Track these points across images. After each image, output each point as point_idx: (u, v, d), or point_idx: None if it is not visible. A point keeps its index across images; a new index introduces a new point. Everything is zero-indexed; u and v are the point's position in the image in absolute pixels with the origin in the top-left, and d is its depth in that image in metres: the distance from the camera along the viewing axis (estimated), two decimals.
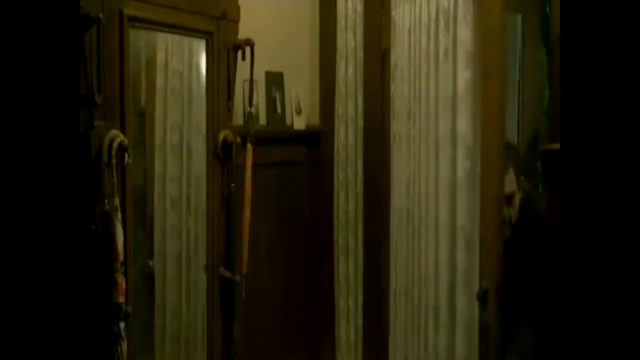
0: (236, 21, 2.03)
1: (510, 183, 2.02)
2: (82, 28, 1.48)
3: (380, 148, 2.51)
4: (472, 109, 2.12)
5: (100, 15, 1.50)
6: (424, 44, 2.26)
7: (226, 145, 1.99)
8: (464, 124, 2.14)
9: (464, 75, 2.13)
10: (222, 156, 1.99)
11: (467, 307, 2.14)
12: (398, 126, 2.40)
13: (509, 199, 2.02)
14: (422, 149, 2.27)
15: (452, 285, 2.18)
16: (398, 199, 2.41)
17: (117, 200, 1.53)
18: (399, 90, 2.39)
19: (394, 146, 2.42)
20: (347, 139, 2.61)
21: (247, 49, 2.02)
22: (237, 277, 2.01)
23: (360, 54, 2.57)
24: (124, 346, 1.53)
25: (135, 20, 1.65)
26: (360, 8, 2.55)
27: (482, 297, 2.02)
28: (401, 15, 2.37)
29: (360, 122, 2.59)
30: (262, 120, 2.52)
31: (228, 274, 2.00)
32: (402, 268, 2.38)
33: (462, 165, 2.14)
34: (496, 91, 2.02)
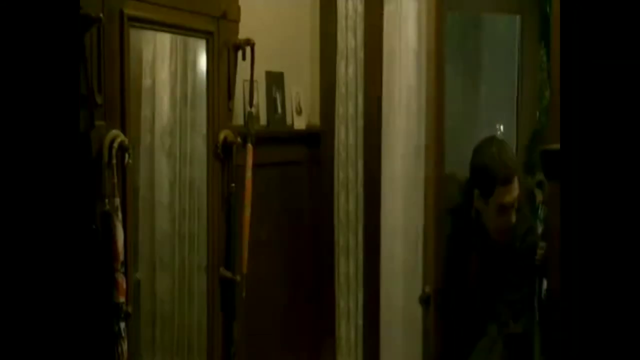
0: (236, 21, 2.03)
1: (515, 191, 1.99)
2: (82, 28, 1.48)
3: (379, 146, 2.51)
4: (417, 109, 2.18)
5: (101, 15, 1.49)
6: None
7: (226, 145, 1.99)
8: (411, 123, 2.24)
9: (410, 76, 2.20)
10: (222, 156, 1.99)
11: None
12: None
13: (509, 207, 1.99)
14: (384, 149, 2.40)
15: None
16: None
17: (117, 200, 1.53)
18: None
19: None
20: (348, 139, 2.61)
21: (248, 49, 2.02)
22: (238, 277, 2.01)
23: (361, 54, 2.57)
24: (125, 346, 1.53)
25: (136, 20, 1.65)
26: (360, 8, 2.56)
27: (425, 301, 2.05)
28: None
29: (361, 122, 2.59)
30: (263, 120, 2.52)
31: (228, 274, 1.99)
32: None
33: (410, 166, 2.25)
34: (435, 91, 2.06)
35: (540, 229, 2.19)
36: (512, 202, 1.93)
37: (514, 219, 1.96)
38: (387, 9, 2.42)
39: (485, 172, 1.91)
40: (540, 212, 2.29)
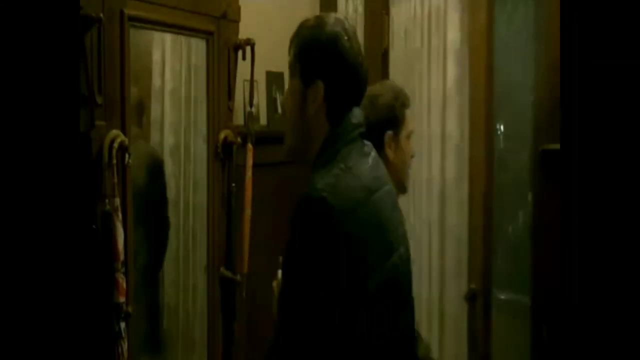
0: (237, 21, 2.03)
1: None
2: (82, 28, 1.48)
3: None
4: (460, 109, 2.16)
5: (101, 15, 1.50)
6: (417, 43, 2.31)
7: (227, 145, 1.99)
8: (452, 123, 2.18)
9: (453, 75, 2.16)
10: (222, 156, 1.99)
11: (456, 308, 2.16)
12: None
13: None
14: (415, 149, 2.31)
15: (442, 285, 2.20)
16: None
17: (117, 200, 1.53)
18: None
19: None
20: None
21: (248, 49, 2.02)
22: (238, 277, 2.01)
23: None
24: (125, 346, 1.53)
25: (136, 20, 1.65)
26: (360, 8, 2.55)
27: (471, 298, 2.03)
28: (398, 14, 2.42)
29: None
30: (263, 120, 2.52)
31: (229, 274, 2.00)
32: None
33: (452, 165, 2.18)
34: (484, 92, 2.05)
35: None
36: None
37: None
38: (402, 8, 2.38)
39: (394, 100, 1.66)
40: None
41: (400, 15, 2.40)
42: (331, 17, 1.29)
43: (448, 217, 2.20)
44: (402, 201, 2.30)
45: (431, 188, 2.26)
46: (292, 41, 1.30)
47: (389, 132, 1.65)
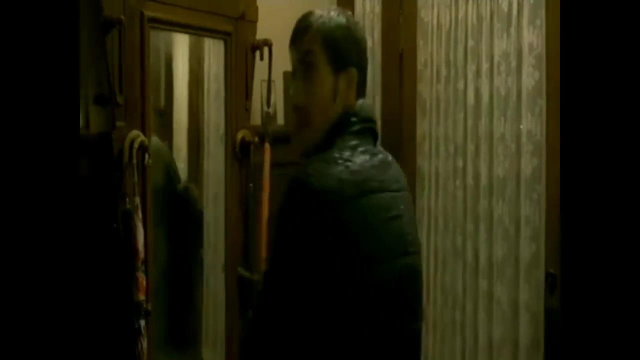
0: (254, 22, 2.04)
1: None
2: (104, 30, 1.50)
3: (398, 148, 2.50)
4: (535, 109, 2.21)
5: (122, 17, 1.52)
6: (471, 44, 2.32)
7: (244, 145, 2.00)
8: (529, 123, 2.22)
9: (533, 77, 2.20)
10: (240, 156, 2.00)
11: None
12: (429, 126, 2.47)
13: None
14: (469, 148, 2.35)
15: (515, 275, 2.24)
16: (427, 198, 2.46)
17: (137, 199, 1.55)
18: (429, 90, 2.46)
19: (422, 146, 2.48)
20: None
21: (265, 49, 2.03)
22: (256, 277, 2.01)
23: (378, 54, 2.56)
24: (145, 343, 1.54)
25: (155, 22, 1.67)
26: (378, 8, 2.55)
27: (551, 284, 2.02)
28: (435, 15, 2.44)
29: (378, 122, 2.58)
30: (280, 119, 2.52)
31: (246, 274, 2.00)
32: (438, 266, 2.44)
33: (529, 162, 2.22)
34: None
35: None
36: None
37: None
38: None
39: None
40: None
41: (437, 17, 2.43)
42: (332, 9, 1.31)
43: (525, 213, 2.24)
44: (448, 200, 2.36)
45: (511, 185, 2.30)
46: (303, 34, 1.28)
47: None
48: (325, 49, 1.24)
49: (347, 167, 1.18)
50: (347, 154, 1.20)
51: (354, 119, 1.25)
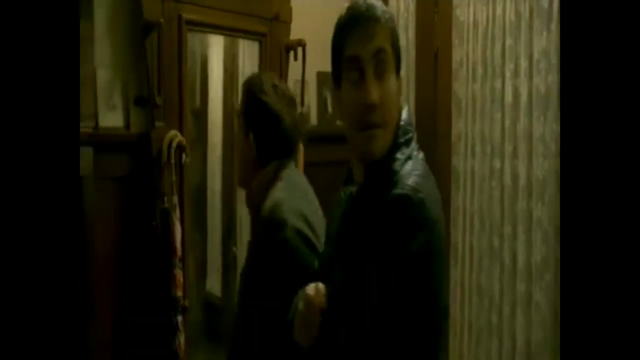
0: (288, 22, 2.06)
1: None
2: (144, 33, 1.54)
3: (433, 147, 2.48)
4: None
5: (161, 20, 1.55)
6: (509, 42, 2.27)
7: None
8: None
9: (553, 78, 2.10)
10: None
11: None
12: (465, 126, 2.44)
13: None
14: (506, 148, 2.29)
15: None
16: (462, 198, 2.45)
17: (175, 198, 1.58)
18: (466, 89, 2.43)
19: (459, 145, 2.45)
20: None
21: (299, 50, 2.04)
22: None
23: (412, 53, 2.55)
24: (182, 338, 1.58)
25: (193, 24, 1.70)
26: (412, 7, 2.54)
27: None
28: (471, 14, 2.40)
29: (412, 121, 2.57)
30: (313, 120, 2.53)
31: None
32: (474, 266, 2.41)
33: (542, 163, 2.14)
34: None
35: None
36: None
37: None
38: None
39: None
40: None
41: (474, 15, 2.40)
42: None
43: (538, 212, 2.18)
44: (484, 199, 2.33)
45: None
46: (373, 28, 1.09)
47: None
48: (393, 48, 1.12)
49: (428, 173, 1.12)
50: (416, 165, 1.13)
51: (409, 127, 1.18)
